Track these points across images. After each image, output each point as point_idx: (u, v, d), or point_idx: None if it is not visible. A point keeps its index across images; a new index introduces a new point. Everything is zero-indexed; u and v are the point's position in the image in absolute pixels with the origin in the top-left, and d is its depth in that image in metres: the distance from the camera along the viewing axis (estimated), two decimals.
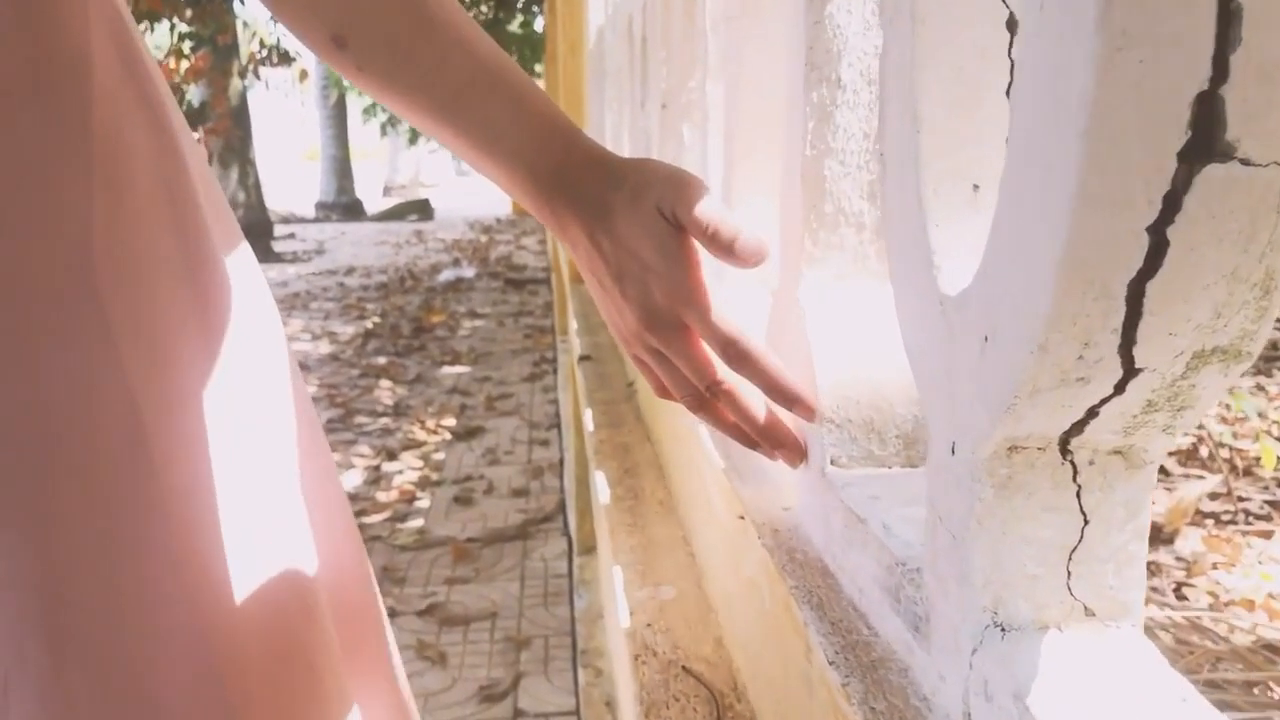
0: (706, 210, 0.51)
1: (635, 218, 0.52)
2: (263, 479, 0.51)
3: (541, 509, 2.95)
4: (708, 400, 0.54)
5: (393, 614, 2.32)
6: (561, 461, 3.33)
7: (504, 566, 2.59)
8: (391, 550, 2.69)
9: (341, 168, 13.01)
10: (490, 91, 0.54)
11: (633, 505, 0.92)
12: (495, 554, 2.66)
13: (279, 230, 10.50)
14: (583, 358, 1.58)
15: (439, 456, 3.45)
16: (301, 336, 5.51)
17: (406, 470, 3.31)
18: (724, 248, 0.51)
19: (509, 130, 0.54)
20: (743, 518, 0.61)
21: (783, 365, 0.52)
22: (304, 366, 4.77)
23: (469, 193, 17.30)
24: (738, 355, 0.51)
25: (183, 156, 0.52)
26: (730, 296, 0.80)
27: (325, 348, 5.23)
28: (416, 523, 2.87)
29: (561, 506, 2.96)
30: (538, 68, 12.94)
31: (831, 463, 0.53)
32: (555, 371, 4.47)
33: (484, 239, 10.29)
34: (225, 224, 0.54)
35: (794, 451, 0.55)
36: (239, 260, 0.54)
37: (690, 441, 0.82)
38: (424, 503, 3.04)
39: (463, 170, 25.29)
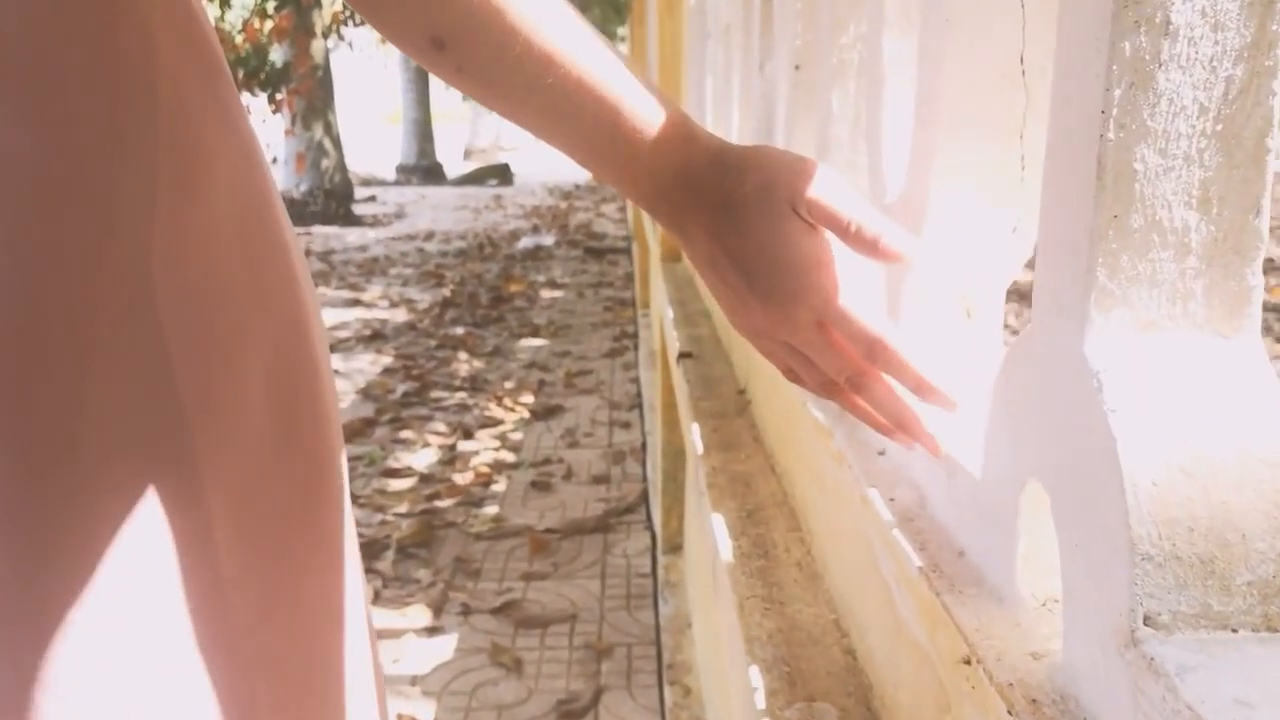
0: (844, 205, 0.49)
1: (765, 214, 0.49)
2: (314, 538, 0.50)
3: (623, 498, 2.79)
4: (841, 387, 0.52)
5: (466, 610, 2.19)
6: (644, 446, 3.17)
7: (584, 562, 2.44)
8: (466, 539, 2.56)
9: (423, 130, 12.97)
10: (601, 91, 0.49)
11: (763, 567, 0.74)
12: (574, 547, 2.52)
13: (360, 193, 10.51)
14: (683, 355, 1.39)
15: (516, 436, 3.32)
16: (379, 303, 5.43)
17: (483, 450, 3.18)
18: (868, 244, 0.48)
19: (622, 133, 0.50)
20: (968, 662, 0.42)
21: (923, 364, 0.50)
22: (380, 335, 4.69)
23: (549, 157, 17.17)
24: (883, 358, 0.49)
25: (262, 162, 0.50)
26: (911, 318, 0.61)
27: (402, 316, 5.14)
28: (492, 509, 2.74)
29: (644, 497, 2.80)
30: (620, 31, 12.66)
31: (1145, 620, 0.34)
32: (636, 348, 4.30)
33: (563, 205, 10.15)
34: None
35: (933, 445, 0.52)
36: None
37: (855, 511, 0.63)
38: (500, 486, 2.91)
39: None
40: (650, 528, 2.61)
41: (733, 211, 0.50)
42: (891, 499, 0.58)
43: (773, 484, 0.90)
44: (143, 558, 0.43)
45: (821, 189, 0.49)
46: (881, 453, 0.65)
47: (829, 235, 0.49)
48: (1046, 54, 0.51)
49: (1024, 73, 0.52)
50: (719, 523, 0.82)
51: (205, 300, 0.45)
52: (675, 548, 2.33)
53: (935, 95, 0.54)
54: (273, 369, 0.48)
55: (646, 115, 0.50)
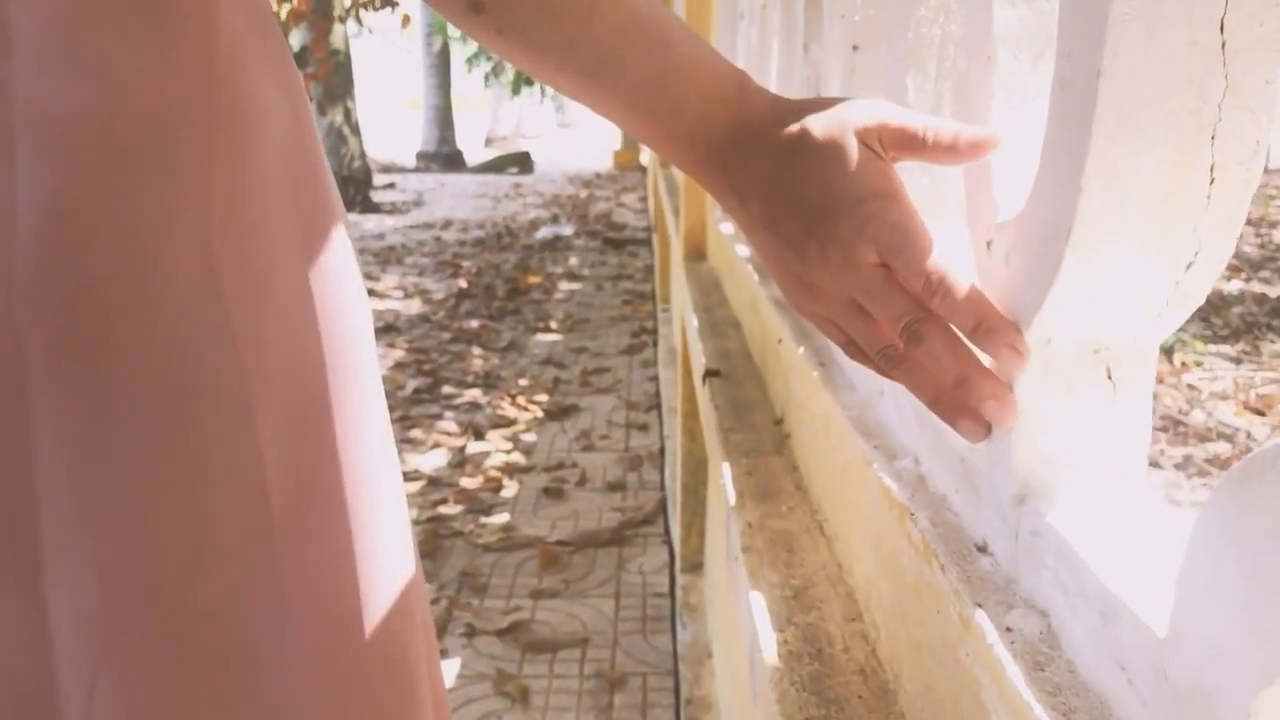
0: (914, 119, 0.47)
1: (830, 150, 0.47)
2: (366, 478, 0.49)
3: (640, 508, 2.64)
4: (906, 355, 0.47)
5: (471, 632, 2.05)
6: (662, 451, 3.02)
7: (596, 579, 2.29)
8: (473, 550, 2.42)
9: (443, 117, 12.83)
10: (645, 44, 0.48)
11: (816, 674, 0.58)
12: (587, 561, 2.37)
13: (379, 180, 10.37)
14: (709, 373, 1.24)
15: (529, 438, 3.18)
16: (394, 294, 5.30)
17: (494, 453, 3.04)
18: (948, 148, 0.46)
19: (672, 84, 0.49)
20: None
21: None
22: (393, 328, 4.55)
23: (570, 146, 16.98)
24: (944, 291, 0.45)
25: (310, 123, 0.50)
26: (1031, 379, 0.46)
27: (416, 307, 5.01)
28: (502, 517, 2.60)
29: (662, 507, 2.65)
30: None
31: None
32: (655, 344, 4.15)
33: (584, 194, 9.98)
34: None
35: (1006, 405, 0.46)
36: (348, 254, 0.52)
37: (949, 628, 0.48)
38: (510, 491, 2.77)
39: (564, 122, 24.93)
40: (668, 542, 2.47)
41: (794, 154, 0.48)
42: (1008, 628, 0.42)
43: (822, 549, 0.75)
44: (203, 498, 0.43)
45: (888, 111, 0.47)
46: (984, 549, 0.50)
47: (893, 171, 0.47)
48: (1261, 14, 0.36)
49: (1224, 44, 0.36)
50: (758, 605, 0.67)
51: (260, 262, 0.44)
52: (695, 566, 2.19)
53: (1088, 75, 0.39)
54: (328, 332, 0.48)
55: (697, 63, 0.49)
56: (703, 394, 1.24)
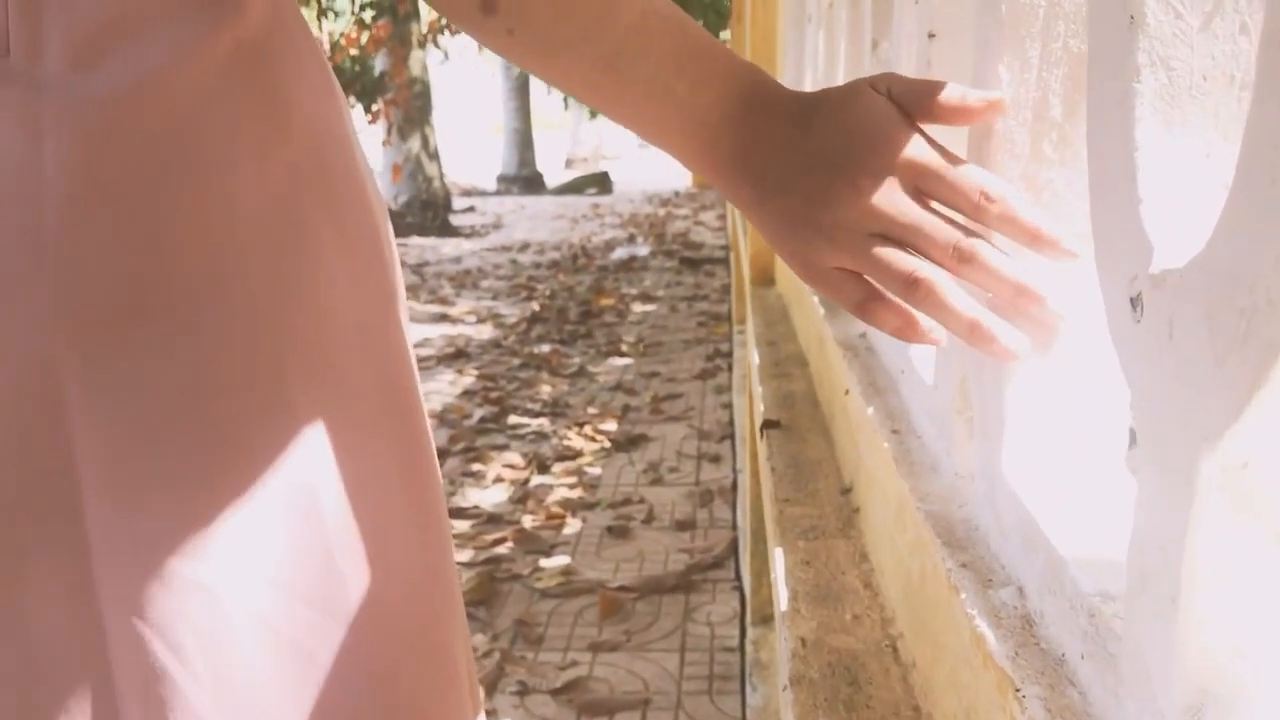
0: (925, 80, 0.48)
1: (850, 101, 0.48)
2: (407, 465, 0.50)
3: (710, 549, 2.47)
4: (933, 283, 0.44)
5: (523, 690, 1.91)
6: (734, 485, 2.84)
7: (661, 629, 2.13)
8: (531, 595, 2.27)
9: (523, 140, 12.87)
10: (663, 26, 0.48)
11: None
12: (651, 610, 2.21)
13: (459, 203, 10.41)
14: (768, 424, 1.07)
15: (594, 471, 3.03)
16: (467, 319, 5.23)
17: (557, 487, 2.90)
18: (956, 104, 0.46)
19: (688, 70, 0.49)
20: None
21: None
22: (464, 354, 4.47)
23: (649, 165, 16.91)
24: (992, 205, 0.44)
25: (346, 129, 0.50)
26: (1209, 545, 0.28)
27: (488, 332, 4.93)
28: (562, 559, 2.45)
29: (734, 548, 2.47)
30: (723, 34, 12.35)
31: None
32: (730, 368, 3.97)
33: (661, 213, 9.86)
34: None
35: (1054, 318, 0.44)
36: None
37: None
38: (573, 529, 2.62)
39: (643, 142, 24.82)
40: (739, 588, 2.29)
41: (812, 111, 0.48)
42: None
43: (895, 683, 0.58)
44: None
45: (896, 75, 0.48)
46: None
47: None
48: None
49: None
50: None
51: (291, 255, 0.44)
52: (767, 619, 2.00)
53: None
54: (360, 323, 0.48)
55: (712, 43, 0.50)
56: (761, 449, 1.07)
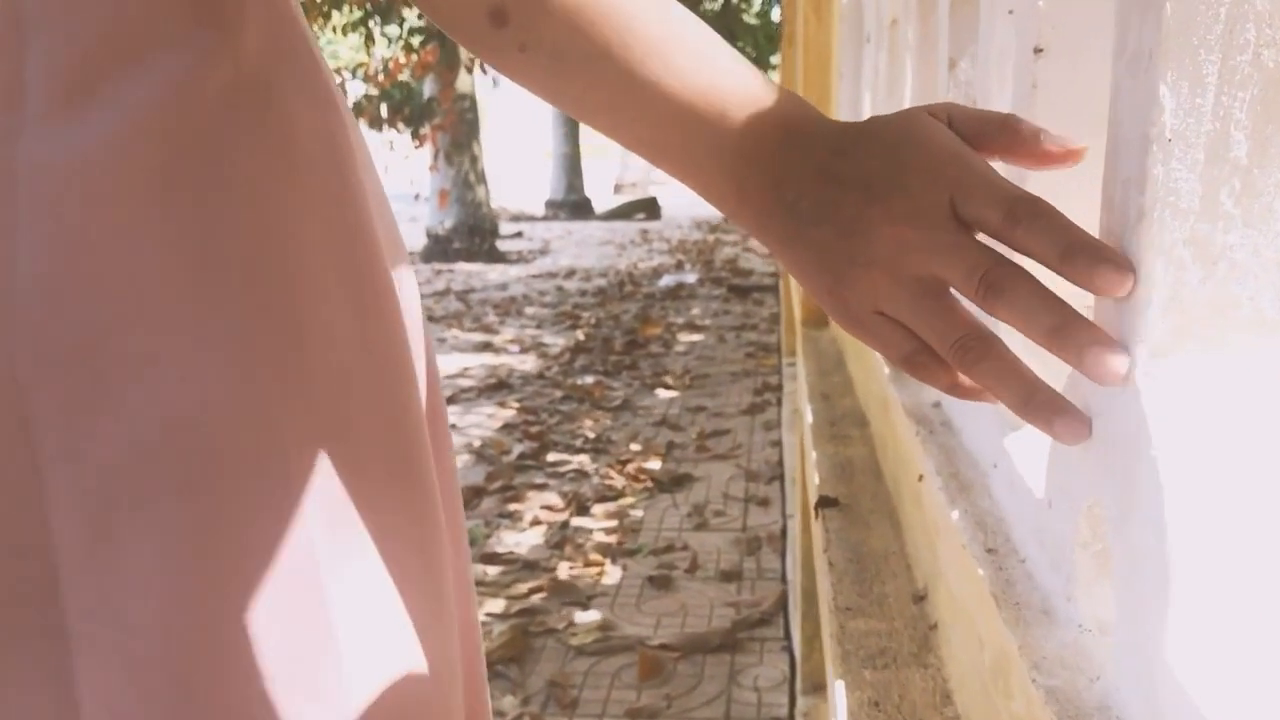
0: (1010, 115, 0.43)
1: (894, 123, 0.43)
2: (421, 517, 0.47)
3: (757, 604, 2.32)
4: (987, 348, 0.39)
5: None
6: (784, 532, 2.68)
7: (704, 694, 1.98)
8: (565, 653, 2.14)
9: (572, 165, 12.84)
10: (690, 43, 0.44)
11: None
12: (694, 671, 2.06)
13: (507, 229, 10.37)
14: (824, 502, 0.93)
15: (636, 514, 2.89)
16: (510, 348, 5.13)
17: (596, 530, 2.77)
18: (1026, 143, 0.41)
19: (718, 88, 0.44)
20: None
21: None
22: (506, 385, 4.37)
23: None
24: (1031, 214, 0.38)
25: (354, 156, 0.48)
26: None
27: (531, 362, 4.82)
28: (600, 611, 2.31)
29: (783, 603, 2.31)
30: (773, 59, 12.21)
31: None
32: (779, 403, 3.81)
33: (710, 239, 9.73)
34: (391, 231, 0.52)
35: (1114, 351, 0.37)
36: (403, 280, 0.51)
37: None
38: (612, 578, 2.48)
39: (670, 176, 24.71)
40: (789, 648, 2.13)
41: (858, 135, 0.43)
42: None
43: None
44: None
45: (958, 105, 0.44)
46: None
47: None
48: None
49: None
50: None
51: (285, 292, 0.42)
52: (817, 687, 1.84)
53: None
54: (369, 376, 0.45)
55: (738, 66, 0.45)
56: (816, 532, 0.92)
